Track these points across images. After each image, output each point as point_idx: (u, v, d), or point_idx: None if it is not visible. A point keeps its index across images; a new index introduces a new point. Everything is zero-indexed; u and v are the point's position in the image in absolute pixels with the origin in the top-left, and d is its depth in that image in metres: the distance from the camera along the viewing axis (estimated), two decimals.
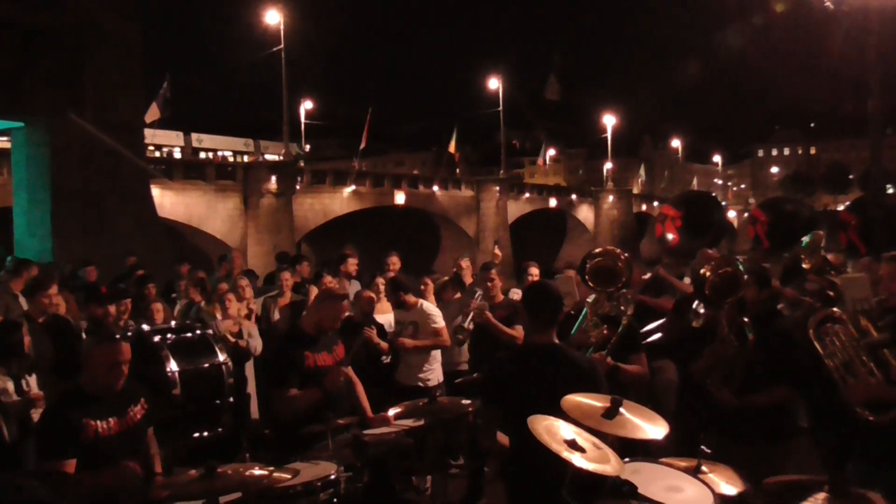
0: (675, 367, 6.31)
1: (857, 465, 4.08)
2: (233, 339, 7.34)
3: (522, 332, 7.25)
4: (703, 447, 3.80)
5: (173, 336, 5.56)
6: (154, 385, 4.74)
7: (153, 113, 29.68)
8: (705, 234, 8.95)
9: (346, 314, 6.49)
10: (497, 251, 8.23)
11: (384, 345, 7.59)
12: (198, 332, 5.80)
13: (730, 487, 3.53)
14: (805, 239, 6.30)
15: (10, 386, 5.80)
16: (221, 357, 5.60)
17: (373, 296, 8.08)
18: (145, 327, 5.72)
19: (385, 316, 8.15)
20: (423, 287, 8.00)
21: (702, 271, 4.94)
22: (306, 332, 5.48)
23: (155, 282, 9.17)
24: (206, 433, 5.35)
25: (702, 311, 5.17)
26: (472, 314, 7.14)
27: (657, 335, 5.74)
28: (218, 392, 5.51)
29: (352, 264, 9.83)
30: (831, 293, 5.48)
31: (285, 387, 5.23)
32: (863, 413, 3.83)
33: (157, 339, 5.38)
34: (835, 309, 4.17)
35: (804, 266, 6.17)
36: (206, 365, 5.49)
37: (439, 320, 7.39)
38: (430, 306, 7.52)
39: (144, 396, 4.34)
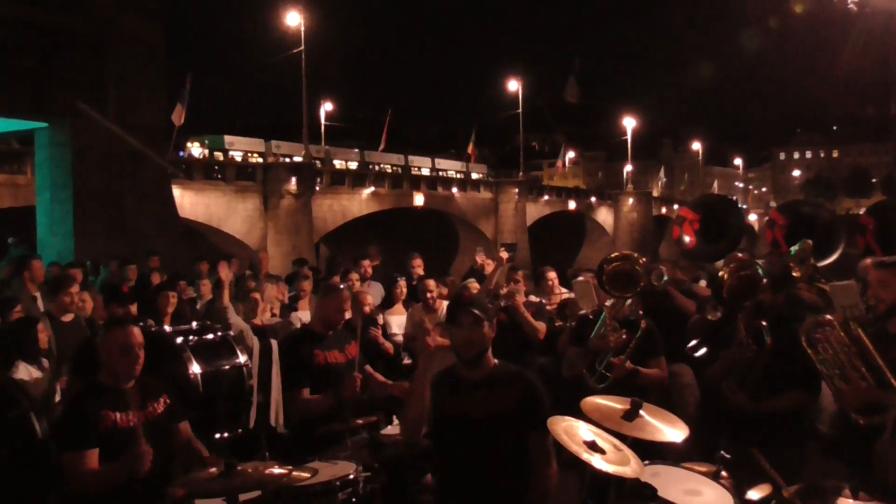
0: (692, 371, 6.29)
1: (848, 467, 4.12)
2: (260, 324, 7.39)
3: (545, 327, 7.28)
4: (722, 452, 3.79)
5: (195, 337, 5.60)
6: (177, 386, 4.78)
7: (179, 114, 29.67)
8: (723, 237, 8.89)
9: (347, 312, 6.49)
10: (503, 254, 8.25)
11: (388, 345, 7.60)
12: (219, 333, 5.84)
13: (753, 492, 3.53)
14: (794, 248, 6.29)
15: (38, 374, 5.88)
16: (242, 358, 5.63)
17: (368, 296, 8.06)
18: (167, 328, 5.77)
19: (397, 318, 8.17)
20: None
21: (720, 273, 4.93)
22: (315, 331, 5.51)
23: (185, 279, 9.24)
24: (226, 434, 5.39)
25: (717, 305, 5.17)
26: (505, 291, 7.17)
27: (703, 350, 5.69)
28: (238, 393, 5.55)
29: (366, 266, 9.85)
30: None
31: (297, 387, 5.25)
32: (855, 417, 3.87)
33: (179, 340, 5.43)
34: (827, 315, 4.20)
35: (794, 275, 6.16)
36: (227, 366, 5.54)
37: None
38: None
39: (167, 393, 4.37)
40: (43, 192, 16.28)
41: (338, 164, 62.23)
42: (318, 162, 56.28)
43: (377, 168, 61.12)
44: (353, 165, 62.52)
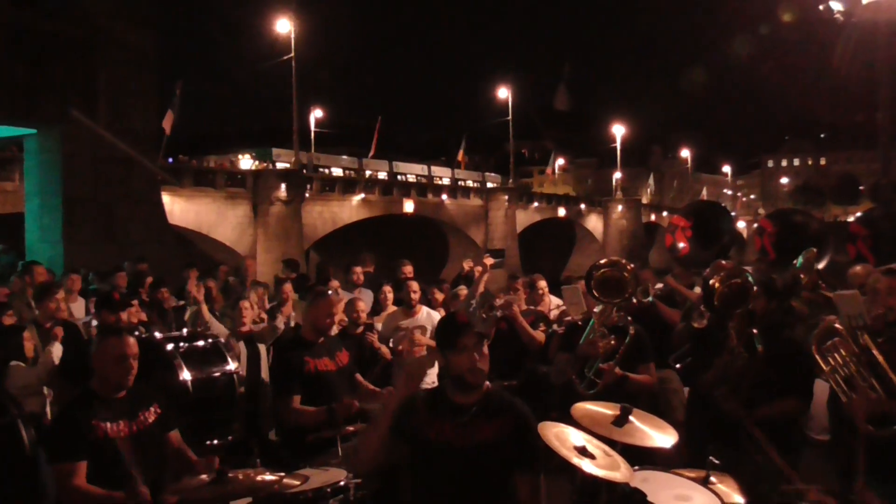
0: (678, 377, 6.31)
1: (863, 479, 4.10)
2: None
3: (544, 336, 7.30)
4: (711, 458, 3.81)
5: (186, 344, 5.61)
6: (168, 393, 4.78)
7: (169, 121, 29.52)
8: (715, 243, 8.94)
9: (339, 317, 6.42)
10: (487, 260, 8.33)
11: (385, 350, 7.57)
12: (209, 340, 5.86)
13: (740, 497, 3.55)
14: (799, 259, 6.33)
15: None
16: (233, 365, 5.64)
17: (361, 302, 8.04)
18: (158, 335, 5.77)
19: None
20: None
21: (711, 282, 4.95)
22: (305, 338, 5.49)
23: (167, 286, 9.21)
24: (217, 441, 5.40)
25: (704, 311, 5.20)
26: (502, 301, 7.17)
27: (686, 360, 5.72)
28: (229, 400, 5.55)
29: (358, 273, 9.84)
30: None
31: (289, 394, 5.23)
32: (865, 427, 3.87)
33: (170, 347, 5.44)
34: (837, 325, 4.20)
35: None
36: (218, 373, 5.54)
37: None
38: (435, 313, 7.56)
39: (158, 402, 4.35)
40: (32, 199, 16.20)
41: (368, 173, 62.14)
42: (352, 172, 56.19)
43: (406, 178, 61.19)
44: (382, 175, 62.21)
